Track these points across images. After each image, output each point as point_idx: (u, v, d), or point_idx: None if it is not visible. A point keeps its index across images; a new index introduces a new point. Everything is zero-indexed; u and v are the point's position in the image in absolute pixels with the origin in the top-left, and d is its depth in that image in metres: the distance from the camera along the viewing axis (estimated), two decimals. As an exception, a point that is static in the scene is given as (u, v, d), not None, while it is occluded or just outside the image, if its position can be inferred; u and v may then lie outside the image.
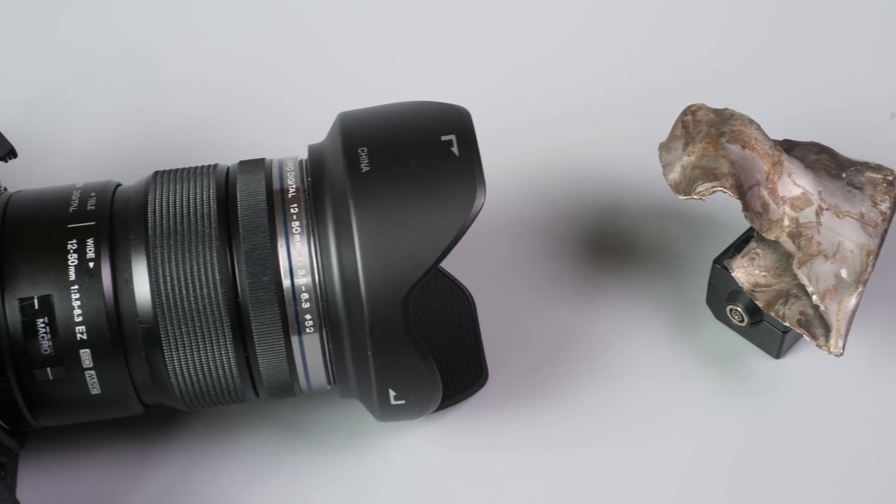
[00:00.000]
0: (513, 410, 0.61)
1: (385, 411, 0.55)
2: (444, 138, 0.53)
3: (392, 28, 0.78)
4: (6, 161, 0.61)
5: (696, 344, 0.63)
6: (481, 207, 0.52)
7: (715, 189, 0.58)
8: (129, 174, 0.60)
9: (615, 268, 0.66)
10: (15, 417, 0.55)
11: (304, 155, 0.57)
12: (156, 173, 0.56)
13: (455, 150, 0.53)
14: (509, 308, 0.64)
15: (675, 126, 0.62)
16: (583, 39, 0.77)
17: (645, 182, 0.68)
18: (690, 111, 0.62)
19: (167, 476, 0.59)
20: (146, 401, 0.56)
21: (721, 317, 0.63)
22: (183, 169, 0.56)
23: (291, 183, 0.55)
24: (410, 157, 0.52)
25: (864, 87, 0.74)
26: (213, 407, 0.57)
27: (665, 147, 0.61)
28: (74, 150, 0.71)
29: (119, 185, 0.57)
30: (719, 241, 0.65)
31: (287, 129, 0.73)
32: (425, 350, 0.53)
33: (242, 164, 0.56)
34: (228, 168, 0.56)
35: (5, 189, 0.60)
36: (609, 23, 0.78)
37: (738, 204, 0.64)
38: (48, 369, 0.53)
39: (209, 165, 0.56)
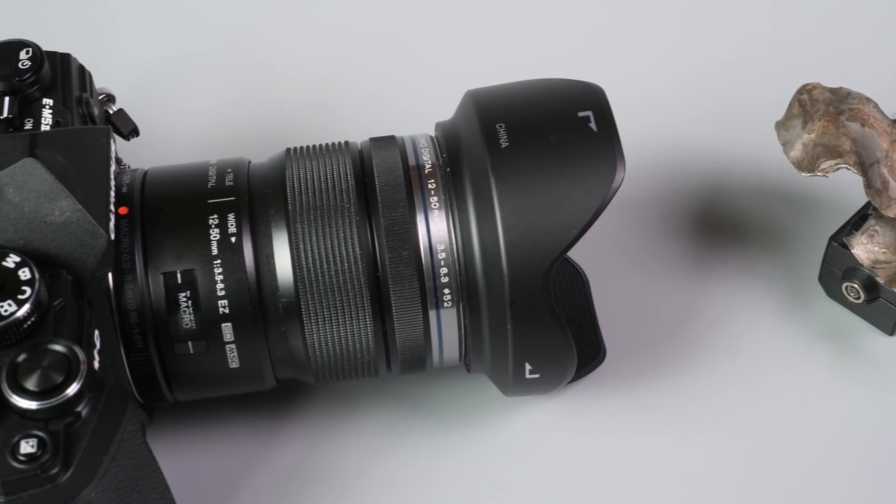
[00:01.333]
0: (631, 387, 0.62)
1: (518, 385, 0.56)
2: (580, 114, 0.53)
3: (489, 6, 0.79)
4: (128, 139, 0.62)
5: (810, 321, 0.63)
6: (621, 183, 0.52)
7: (839, 166, 0.58)
8: (236, 153, 0.60)
9: (724, 246, 0.66)
10: (149, 391, 0.55)
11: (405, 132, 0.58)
12: (288, 150, 0.57)
13: (593, 125, 0.53)
14: (622, 286, 0.65)
15: (791, 104, 0.62)
16: (688, 18, 0.77)
17: (750, 160, 0.69)
18: (806, 90, 0.62)
19: (294, 451, 0.59)
20: (279, 375, 0.56)
21: (834, 294, 0.63)
22: (316, 146, 0.57)
23: (427, 159, 0.55)
24: (549, 133, 0.53)
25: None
26: (341, 381, 0.57)
27: (783, 125, 0.62)
28: (183, 129, 0.72)
29: (250, 161, 0.57)
30: (824, 219, 0.66)
31: (377, 110, 0.74)
32: (564, 324, 0.53)
33: (374, 140, 0.57)
34: (360, 144, 0.57)
35: (128, 166, 0.61)
36: (715, 2, 0.78)
37: (841, 183, 0.65)
38: (189, 343, 0.53)
39: (341, 142, 0.57)
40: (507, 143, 0.53)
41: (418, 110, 0.71)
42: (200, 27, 0.78)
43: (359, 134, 0.60)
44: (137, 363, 0.53)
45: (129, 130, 0.61)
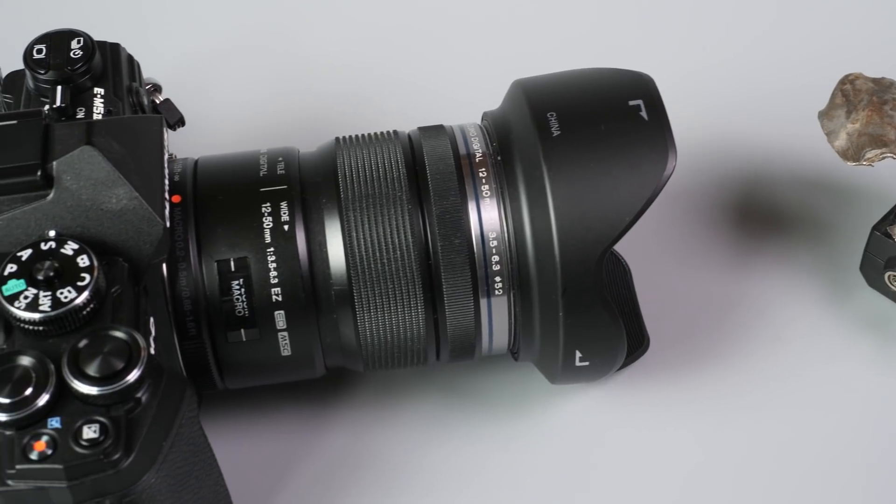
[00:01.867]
0: (674, 376, 0.62)
1: (567, 373, 0.56)
2: (631, 103, 0.54)
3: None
4: (174, 129, 0.62)
5: (851, 311, 0.64)
6: (673, 171, 0.53)
7: (885, 155, 0.59)
8: (277, 143, 0.61)
9: (764, 236, 0.67)
10: (199, 378, 0.55)
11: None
12: (337, 139, 0.57)
13: (644, 114, 0.53)
14: (662, 276, 0.65)
15: (833, 94, 0.63)
16: (725, 7, 0.78)
17: (790, 150, 0.69)
18: (849, 80, 0.63)
19: (341, 439, 0.59)
20: (329, 363, 0.56)
21: (876, 284, 0.63)
22: (364, 135, 0.57)
23: (477, 148, 0.55)
24: (600, 122, 0.53)
25: None
26: (390, 370, 0.58)
27: (826, 115, 0.62)
28: (222, 120, 0.72)
29: (298, 150, 0.58)
30: (865, 209, 0.66)
31: (414, 101, 0.74)
32: (615, 312, 0.54)
33: (423, 129, 0.57)
34: (409, 133, 0.57)
35: (174, 155, 0.61)
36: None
37: (882, 172, 0.65)
38: (242, 331, 0.53)
39: (390, 131, 0.57)
40: (559, 132, 0.53)
41: (456, 100, 0.72)
42: (239, 18, 0.78)
43: (397, 124, 0.60)
44: (190, 350, 0.54)
45: (176, 120, 0.61)
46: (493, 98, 0.61)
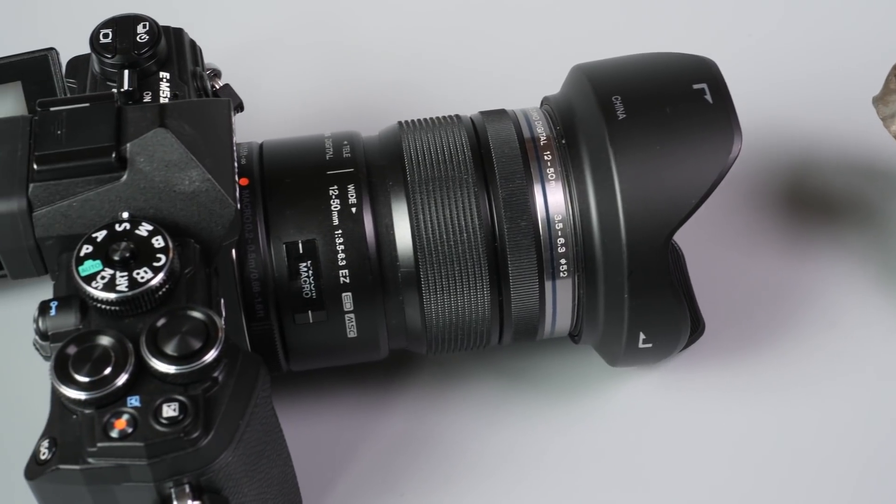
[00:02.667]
0: (730, 360, 0.62)
1: (629, 355, 0.56)
2: (695, 86, 0.54)
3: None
4: (234, 114, 0.62)
5: (904, 295, 0.64)
6: (738, 153, 0.53)
7: (942, 140, 0.59)
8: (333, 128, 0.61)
9: (817, 221, 0.67)
10: (265, 360, 0.55)
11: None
12: (400, 123, 0.57)
13: (708, 97, 0.54)
14: (716, 261, 0.65)
15: (888, 80, 0.63)
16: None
17: (840, 136, 0.70)
18: (902, 66, 0.63)
19: (402, 422, 0.60)
20: (392, 345, 0.57)
21: (929, 269, 0.64)
22: (427, 119, 0.58)
23: (541, 131, 0.56)
24: (665, 105, 0.54)
25: None
26: (453, 352, 0.58)
27: (881, 100, 0.62)
28: (273, 107, 0.72)
29: (360, 134, 0.58)
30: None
31: (460, 87, 0.74)
32: (680, 295, 0.54)
33: (486, 113, 0.57)
34: (472, 117, 0.57)
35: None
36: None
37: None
38: (309, 312, 0.54)
39: (453, 115, 0.58)
40: (625, 115, 0.53)
41: (507, 86, 0.72)
42: (293, 4, 0.79)
43: (449, 109, 0.60)
44: (257, 332, 0.54)
45: (235, 105, 0.61)
46: (541, 83, 0.62)
